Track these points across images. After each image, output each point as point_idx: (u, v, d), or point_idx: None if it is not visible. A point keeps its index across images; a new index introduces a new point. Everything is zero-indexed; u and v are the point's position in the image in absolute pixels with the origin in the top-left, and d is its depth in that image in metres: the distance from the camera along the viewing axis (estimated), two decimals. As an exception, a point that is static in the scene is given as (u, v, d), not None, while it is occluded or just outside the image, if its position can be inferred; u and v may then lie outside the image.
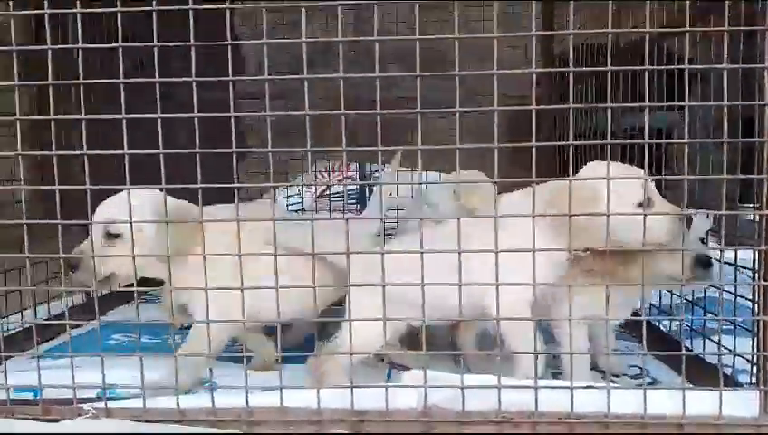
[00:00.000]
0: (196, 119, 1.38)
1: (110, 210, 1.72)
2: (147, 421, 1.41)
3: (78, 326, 2.29)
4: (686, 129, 1.32)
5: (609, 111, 1.35)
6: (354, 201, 4.71)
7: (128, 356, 1.80)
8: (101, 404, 1.45)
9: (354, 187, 4.57)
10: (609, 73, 1.37)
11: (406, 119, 1.38)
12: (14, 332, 2.07)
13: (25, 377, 1.73)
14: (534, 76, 1.38)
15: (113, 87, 1.39)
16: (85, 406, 1.44)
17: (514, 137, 1.38)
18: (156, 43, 1.36)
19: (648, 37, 1.36)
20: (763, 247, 1.38)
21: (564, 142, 1.38)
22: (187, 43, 1.35)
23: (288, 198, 3.99)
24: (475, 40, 1.35)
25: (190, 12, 1.34)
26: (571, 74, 1.35)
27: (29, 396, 1.73)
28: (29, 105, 2.23)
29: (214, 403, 1.43)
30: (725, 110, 1.37)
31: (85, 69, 1.40)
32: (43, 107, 1.66)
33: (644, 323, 1.46)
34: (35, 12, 1.44)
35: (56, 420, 1.42)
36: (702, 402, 1.41)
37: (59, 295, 2.38)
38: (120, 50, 1.37)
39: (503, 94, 1.35)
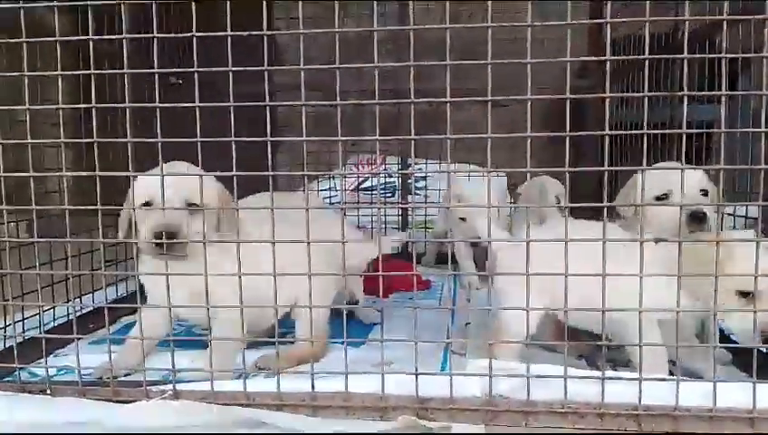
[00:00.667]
0: (232, 108, 1.39)
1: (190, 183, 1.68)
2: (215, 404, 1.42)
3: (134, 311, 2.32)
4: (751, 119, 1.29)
5: (646, 102, 1.33)
6: (391, 194, 4.71)
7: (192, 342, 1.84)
8: (170, 387, 1.47)
9: (392, 180, 4.57)
10: (647, 62, 1.34)
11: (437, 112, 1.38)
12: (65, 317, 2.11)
13: (87, 360, 1.77)
14: (569, 65, 1.34)
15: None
16: (155, 388, 1.46)
17: (559, 129, 1.36)
18: (195, 33, 1.39)
19: (724, 27, 1.33)
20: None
21: (598, 132, 1.35)
22: (221, 33, 1.38)
23: (329, 189, 4.00)
24: (518, 33, 1.34)
25: (228, 4, 1.37)
26: (608, 63, 1.31)
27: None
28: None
29: (279, 387, 1.45)
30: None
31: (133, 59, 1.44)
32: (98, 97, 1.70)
33: (713, 318, 1.44)
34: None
35: (126, 402, 1.44)
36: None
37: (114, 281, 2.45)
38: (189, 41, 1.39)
39: (539, 87, 1.34)
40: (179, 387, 1.47)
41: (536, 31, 1.32)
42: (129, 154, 1.45)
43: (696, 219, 1.73)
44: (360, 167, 4.49)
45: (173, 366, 1.47)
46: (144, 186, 1.69)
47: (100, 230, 1.49)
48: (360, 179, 4.46)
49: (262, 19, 1.39)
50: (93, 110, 1.45)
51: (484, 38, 1.33)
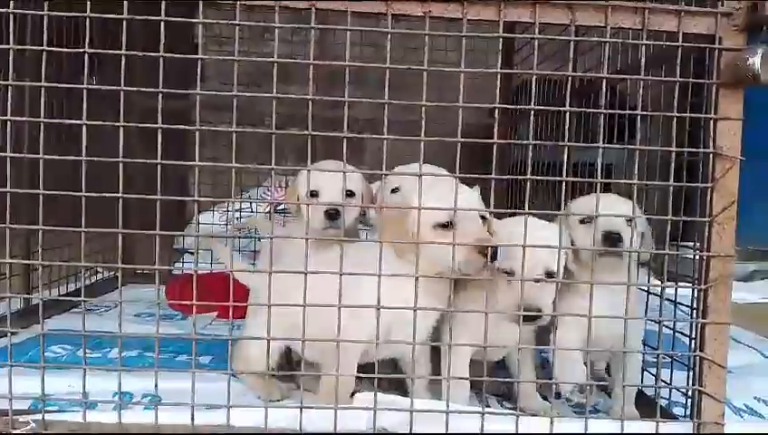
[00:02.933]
0: (121, 128, 1.37)
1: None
2: (87, 436, 1.36)
3: (14, 333, 2.17)
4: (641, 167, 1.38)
5: (532, 148, 1.41)
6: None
7: (69, 368, 1.75)
8: (38, 416, 1.39)
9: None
10: (532, 112, 1.42)
11: (358, 138, 1.42)
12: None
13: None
14: (460, 110, 1.41)
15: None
16: (21, 418, 1.37)
17: (467, 162, 1.43)
18: (87, 49, 1.36)
19: (604, 82, 1.42)
20: (702, 287, 1.45)
21: (488, 176, 1.42)
22: (116, 52, 1.36)
23: (238, 210, 3.93)
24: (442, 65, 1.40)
25: (124, 21, 1.35)
26: (496, 110, 1.38)
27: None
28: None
29: (157, 419, 1.40)
30: (673, 155, 1.45)
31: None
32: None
33: (587, 354, 1.51)
34: None
35: (-11, 433, 1.35)
36: (639, 431, 1.47)
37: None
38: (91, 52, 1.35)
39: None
40: (49, 417, 1.40)
41: (453, 75, 1.38)
42: (8, 169, 1.38)
43: (610, 240, 1.73)
44: (275, 189, 4.43)
45: (42, 393, 1.39)
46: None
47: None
48: (275, 203, 4.40)
49: (185, 35, 1.37)
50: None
51: (403, 71, 1.38)
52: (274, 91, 1.38)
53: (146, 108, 1.38)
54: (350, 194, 2.05)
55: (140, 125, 1.39)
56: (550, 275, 1.61)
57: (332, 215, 1.98)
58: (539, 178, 1.35)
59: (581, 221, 1.83)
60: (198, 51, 1.47)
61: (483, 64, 1.44)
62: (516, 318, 1.54)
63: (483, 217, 1.61)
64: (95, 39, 1.39)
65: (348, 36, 1.40)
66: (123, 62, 1.35)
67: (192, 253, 3.69)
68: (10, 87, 1.39)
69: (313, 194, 2.02)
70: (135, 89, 1.36)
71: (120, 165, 1.36)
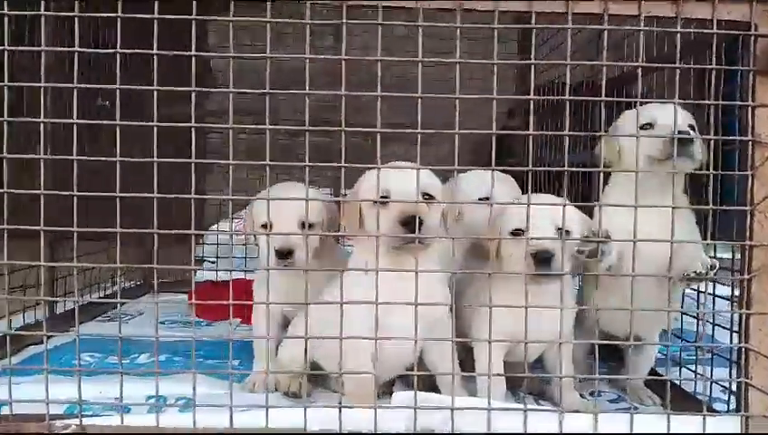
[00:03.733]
0: (155, 128, 1.36)
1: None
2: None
3: (48, 338, 2.16)
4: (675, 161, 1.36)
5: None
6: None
7: (100, 373, 1.74)
8: (75, 421, 1.37)
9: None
10: (568, 103, 1.40)
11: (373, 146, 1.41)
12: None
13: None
14: (494, 102, 1.40)
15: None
16: (58, 422, 1.36)
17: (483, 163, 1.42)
18: (118, 50, 1.36)
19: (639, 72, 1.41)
20: (746, 277, 1.42)
21: (521, 168, 1.39)
22: (147, 52, 1.35)
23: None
24: (450, 73, 1.39)
25: (154, 22, 1.35)
26: (531, 102, 1.37)
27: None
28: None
29: (195, 422, 1.38)
30: (712, 144, 1.43)
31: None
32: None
33: (629, 350, 1.48)
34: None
35: (28, 438, 1.34)
36: (684, 427, 1.43)
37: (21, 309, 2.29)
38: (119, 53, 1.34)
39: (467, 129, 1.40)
40: (86, 421, 1.38)
41: (464, 77, 1.37)
42: (42, 171, 1.37)
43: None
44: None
45: (79, 398, 1.37)
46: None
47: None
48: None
49: (198, 43, 1.38)
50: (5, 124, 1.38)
51: (416, 76, 1.36)
52: (307, 88, 1.37)
53: (166, 115, 1.38)
54: (308, 226, 1.80)
55: (167, 124, 1.38)
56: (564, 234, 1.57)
57: (284, 254, 1.81)
58: (573, 169, 1.33)
59: (642, 127, 1.66)
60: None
61: (502, 69, 1.42)
62: (531, 275, 1.53)
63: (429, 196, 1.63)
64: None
65: (379, 31, 1.40)
66: (155, 61, 1.35)
67: (212, 261, 3.69)
68: (42, 90, 1.38)
69: (266, 226, 1.78)
70: (167, 88, 1.36)
71: (155, 165, 1.35)
